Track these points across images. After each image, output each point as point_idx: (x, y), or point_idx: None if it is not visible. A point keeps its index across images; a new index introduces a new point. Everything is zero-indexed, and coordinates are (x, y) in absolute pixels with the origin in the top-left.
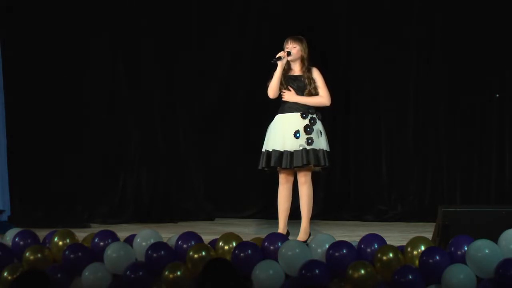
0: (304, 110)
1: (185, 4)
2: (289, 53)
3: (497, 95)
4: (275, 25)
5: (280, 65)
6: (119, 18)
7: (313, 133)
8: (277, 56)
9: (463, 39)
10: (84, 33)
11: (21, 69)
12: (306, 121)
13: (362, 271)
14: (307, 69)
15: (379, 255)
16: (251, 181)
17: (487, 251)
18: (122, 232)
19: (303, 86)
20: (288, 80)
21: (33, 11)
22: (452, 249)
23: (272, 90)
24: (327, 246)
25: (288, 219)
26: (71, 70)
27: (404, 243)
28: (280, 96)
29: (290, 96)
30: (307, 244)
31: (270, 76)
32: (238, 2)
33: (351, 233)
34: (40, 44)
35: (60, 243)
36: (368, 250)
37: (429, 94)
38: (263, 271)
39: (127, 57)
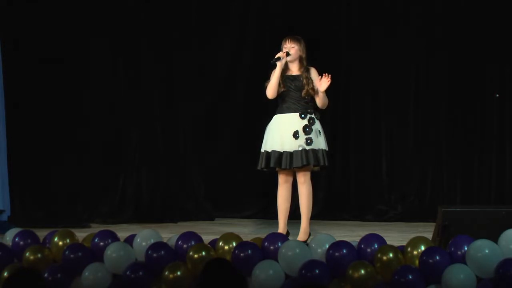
0: (303, 110)
1: (185, 4)
2: (288, 54)
3: (497, 95)
4: (275, 25)
5: (279, 65)
6: (119, 18)
7: (312, 133)
8: (276, 56)
9: (463, 39)
10: (84, 33)
11: (21, 69)
12: (305, 121)
13: (362, 271)
14: (305, 69)
15: (379, 255)
16: (251, 181)
17: (487, 251)
18: (122, 232)
19: (301, 86)
20: (286, 80)
21: (33, 11)
22: (452, 249)
23: (271, 90)
24: (327, 246)
25: (288, 219)
26: (71, 70)
27: (404, 243)
28: (278, 96)
29: (325, 85)
30: (307, 244)
31: (268, 77)
32: (238, 2)
33: (351, 233)
34: (40, 44)
35: (60, 243)
36: (368, 250)
37: (429, 94)
38: (263, 271)
39: (127, 57)
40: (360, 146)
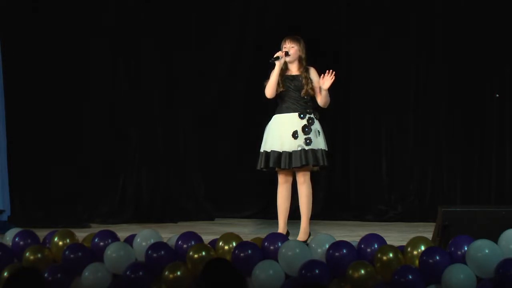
0: (302, 110)
1: (185, 4)
2: (287, 53)
3: (497, 95)
4: (275, 25)
5: (278, 65)
6: (119, 18)
7: (311, 133)
8: (275, 56)
9: (463, 38)
10: (84, 33)
11: (21, 69)
12: (304, 121)
13: (362, 271)
14: (304, 69)
15: (379, 255)
16: (251, 181)
17: (487, 251)
18: (122, 232)
19: (301, 86)
20: (285, 80)
21: (33, 11)
22: (452, 249)
23: (270, 89)
24: (327, 246)
25: (288, 219)
26: (71, 70)
27: (404, 243)
28: (277, 96)
29: (329, 82)
30: (307, 244)
31: (267, 76)
32: (238, 2)
33: (351, 233)
34: (40, 44)
35: (60, 243)
36: (368, 250)
37: (429, 94)
38: (263, 271)
39: (127, 57)
40: (360, 146)
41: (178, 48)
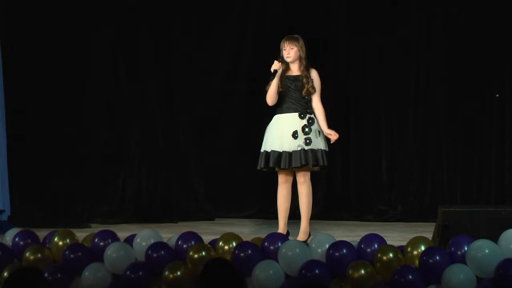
0: (302, 110)
1: (185, 4)
2: (282, 60)
3: (497, 95)
4: (275, 25)
5: (277, 75)
6: (119, 17)
7: (311, 133)
8: (272, 71)
9: (463, 39)
10: (84, 33)
11: (21, 69)
12: (304, 121)
13: (362, 271)
14: (305, 69)
15: (379, 255)
16: (251, 181)
17: (487, 251)
18: (122, 232)
19: (301, 85)
20: (286, 80)
21: (33, 10)
22: (452, 249)
23: (270, 98)
24: (327, 246)
25: (288, 219)
26: (71, 69)
27: (404, 243)
28: (278, 98)
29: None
30: (307, 244)
31: (267, 79)
32: (238, 2)
33: (351, 233)
34: (40, 43)
35: (60, 243)
36: (368, 250)
37: (429, 94)
38: (263, 271)
39: (127, 57)
40: (360, 146)
41: (179, 47)
